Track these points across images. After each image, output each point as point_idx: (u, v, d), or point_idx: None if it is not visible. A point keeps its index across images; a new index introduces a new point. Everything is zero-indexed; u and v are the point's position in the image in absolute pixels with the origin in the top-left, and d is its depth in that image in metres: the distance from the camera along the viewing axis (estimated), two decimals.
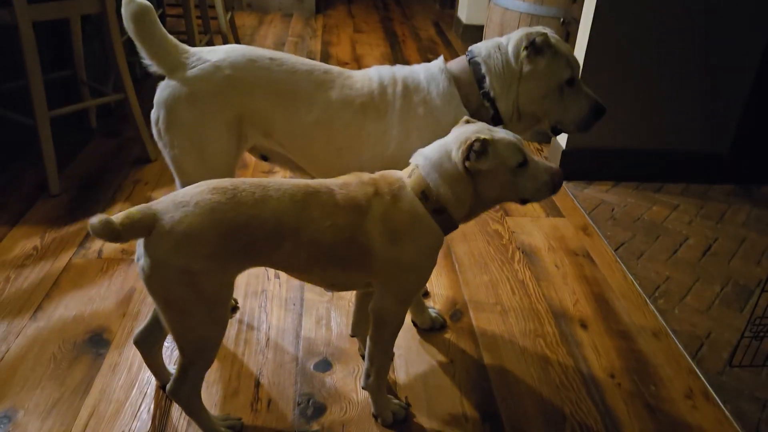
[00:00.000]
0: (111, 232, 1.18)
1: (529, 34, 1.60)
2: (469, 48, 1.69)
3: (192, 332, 1.31)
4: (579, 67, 1.66)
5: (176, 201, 1.25)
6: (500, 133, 1.36)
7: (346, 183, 1.38)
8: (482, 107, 1.65)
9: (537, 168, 1.37)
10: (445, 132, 1.62)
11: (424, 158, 1.38)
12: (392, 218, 1.34)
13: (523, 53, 1.60)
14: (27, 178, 2.58)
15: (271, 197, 1.29)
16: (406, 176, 1.39)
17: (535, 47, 1.59)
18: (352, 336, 1.83)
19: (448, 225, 1.40)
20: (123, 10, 1.54)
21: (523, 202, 1.41)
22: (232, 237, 1.25)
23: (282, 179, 1.35)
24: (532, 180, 1.36)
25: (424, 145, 1.63)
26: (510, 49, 1.63)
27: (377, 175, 1.41)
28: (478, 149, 1.31)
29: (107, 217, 1.18)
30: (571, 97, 1.65)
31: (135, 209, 1.23)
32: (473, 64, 1.65)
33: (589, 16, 2.68)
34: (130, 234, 1.21)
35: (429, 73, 1.67)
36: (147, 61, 1.61)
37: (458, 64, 1.68)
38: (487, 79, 1.63)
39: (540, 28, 1.64)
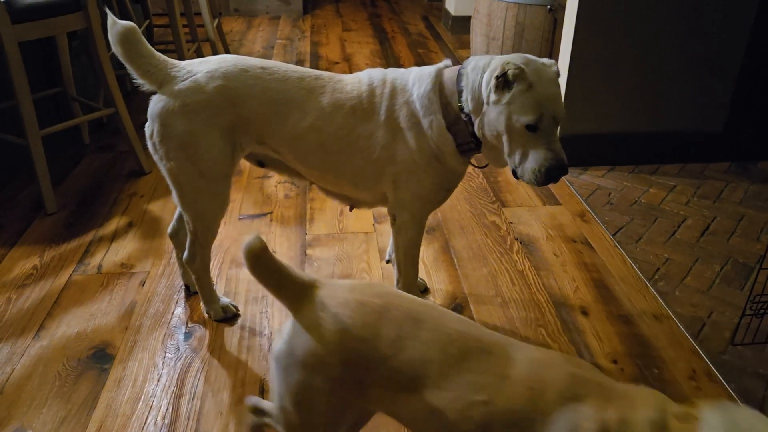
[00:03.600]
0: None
1: (506, 64, 1.46)
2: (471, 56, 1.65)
3: None
4: (553, 115, 1.47)
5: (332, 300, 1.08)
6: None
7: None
8: (460, 120, 1.58)
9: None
10: (429, 136, 1.61)
11: None
12: None
13: (493, 81, 1.47)
14: (23, 198, 2.59)
15: (418, 338, 1.02)
16: None
17: (505, 79, 1.46)
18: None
19: None
20: (109, 35, 1.55)
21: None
22: (353, 367, 1.05)
23: (444, 310, 1.11)
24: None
25: (409, 149, 1.63)
26: (487, 72, 1.50)
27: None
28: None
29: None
30: (532, 144, 1.48)
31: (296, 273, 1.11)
32: (459, 74, 1.58)
33: (575, 2, 2.67)
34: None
35: (419, 74, 1.63)
36: (139, 80, 1.62)
37: (452, 70, 1.62)
38: (464, 93, 1.56)
39: (520, 61, 1.48)
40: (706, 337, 1.87)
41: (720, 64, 2.81)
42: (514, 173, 1.54)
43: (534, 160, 1.48)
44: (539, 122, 1.45)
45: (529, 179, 1.50)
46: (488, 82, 1.49)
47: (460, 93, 1.57)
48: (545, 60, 1.54)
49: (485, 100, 1.51)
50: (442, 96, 1.59)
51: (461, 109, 1.57)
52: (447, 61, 1.67)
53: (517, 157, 1.51)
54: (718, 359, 1.78)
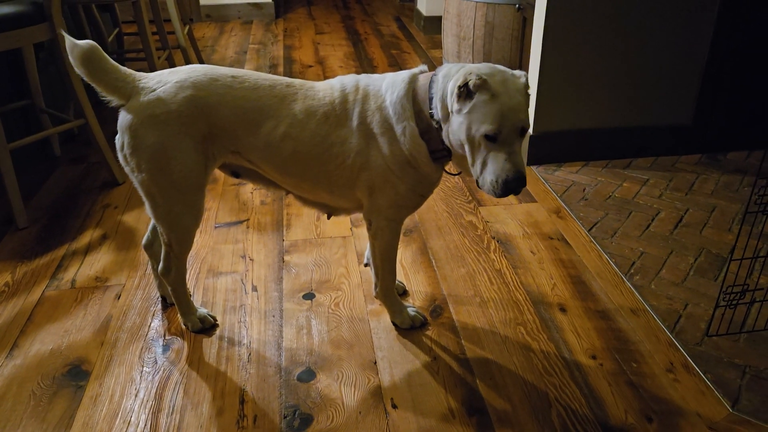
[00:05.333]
0: None
1: (468, 74, 1.45)
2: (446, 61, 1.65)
3: None
4: (514, 125, 1.45)
5: None
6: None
7: None
8: (432, 127, 1.57)
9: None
10: (402, 143, 1.61)
11: None
12: None
13: (456, 91, 1.46)
14: None
15: None
16: None
17: (467, 89, 1.45)
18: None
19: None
20: (70, 57, 1.53)
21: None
22: None
23: None
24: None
25: (383, 155, 1.63)
26: (452, 81, 1.50)
27: None
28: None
29: None
30: (492, 155, 1.46)
31: None
32: (432, 81, 1.57)
33: (544, 0, 2.69)
34: None
35: (392, 80, 1.62)
36: (107, 97, 1.60)
37: (425, 77, 1.60)
38: (434, 101, 1.55)
39: (485, 71, 1.47)
40: (682, 330, 1.89)
41: (687, 58, 2.85)
42: (477, 183, 1.54)
43: (492, 171, 1.46)
44: (498, 133, 1.44)
45: (488, 190, 1.49)
46: (452, 91, 1.48)
47: (431, 100, 1.56)
48: (516, 71, 1.53)
49: (450, 109, 1.51)
50: (415, 103, 1.59)
51: (432, 116, 1.56)
52: (423, 67, 1.66)
53: (478, 167, 1.50)
54: (695, 351, 1.81)
